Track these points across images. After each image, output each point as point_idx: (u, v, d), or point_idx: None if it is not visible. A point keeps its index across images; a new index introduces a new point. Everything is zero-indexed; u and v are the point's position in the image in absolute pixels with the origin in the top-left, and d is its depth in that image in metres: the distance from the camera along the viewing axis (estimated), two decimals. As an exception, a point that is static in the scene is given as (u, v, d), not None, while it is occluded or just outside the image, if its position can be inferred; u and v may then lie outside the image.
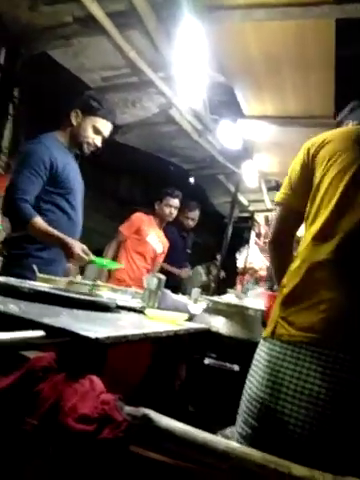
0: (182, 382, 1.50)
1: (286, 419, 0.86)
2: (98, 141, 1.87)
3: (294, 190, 1.08)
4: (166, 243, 3.21)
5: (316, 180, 1.01)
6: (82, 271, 2.26)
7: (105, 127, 1.86)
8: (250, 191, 4.66)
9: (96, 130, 1.84)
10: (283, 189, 1.12)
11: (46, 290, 1.05)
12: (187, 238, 3.74)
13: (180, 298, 1.75)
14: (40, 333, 0.72)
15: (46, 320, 0.76)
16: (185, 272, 3.54)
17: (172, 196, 3.14)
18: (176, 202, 3.16)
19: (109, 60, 2.74)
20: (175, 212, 3.17)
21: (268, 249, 1.22)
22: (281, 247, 1.16)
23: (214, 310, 1.55)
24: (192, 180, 4.86)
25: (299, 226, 1.12)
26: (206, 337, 1.48)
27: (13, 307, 0.86)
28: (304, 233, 1.03)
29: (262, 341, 0.99)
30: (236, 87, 2.72)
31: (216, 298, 1.71)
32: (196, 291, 2.17)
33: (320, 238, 0.95)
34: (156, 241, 3.08)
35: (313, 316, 0.89)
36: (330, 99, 2.52)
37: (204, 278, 5.09)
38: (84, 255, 1.65)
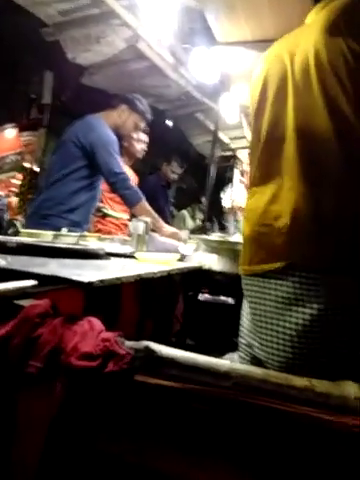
0: (179, 319, 1.55)
1: None
2: (134, 134, 2.45)
3: None
4: (135, 178, 3.10)
5: None
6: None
7: (143, 125, 2.39)
8: (231, 128, 4.50)
9: (136, 127, 2.35)
10: None
11: (32, 242, 1.03)
12: (167, 188, 3.70)
13: (169, 240, 1.75)
14: (32, 282, 0.71)
15: (36, 269, 0.75)
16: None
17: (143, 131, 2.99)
18: (146, 137, 2.99)
19: (65, -10, 2.46)
20: (145, 147, 3.03)
21: None
22: None
23: (205, 248, 1.56)
24: (170, 123, 4.65)
25: None
26: (199, 275, 1.51)
27: (0, 261, 0.84)
28: None
29: None
30: (207, 10, 2.49)
31: (206, 236, 1.71)
32: (185, 232, 2.17)
33: None
34: None
35: None
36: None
37: (190, 222, 5.07)
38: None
